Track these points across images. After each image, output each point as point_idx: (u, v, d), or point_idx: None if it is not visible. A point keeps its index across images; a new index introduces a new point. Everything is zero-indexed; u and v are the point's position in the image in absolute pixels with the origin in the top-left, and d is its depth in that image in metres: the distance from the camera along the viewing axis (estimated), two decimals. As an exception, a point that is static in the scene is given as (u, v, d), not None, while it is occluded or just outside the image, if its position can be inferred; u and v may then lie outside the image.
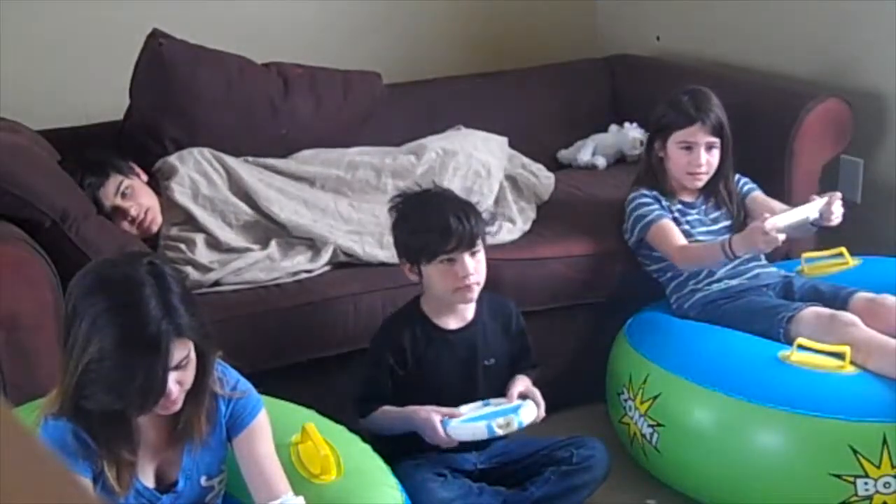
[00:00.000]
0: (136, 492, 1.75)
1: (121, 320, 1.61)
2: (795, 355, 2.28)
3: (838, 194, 2.52)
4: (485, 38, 3.74)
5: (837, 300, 2.51)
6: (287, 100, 2.93)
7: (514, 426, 2.20)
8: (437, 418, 2.19)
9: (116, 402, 1.65)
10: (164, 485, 1.80)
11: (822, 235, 2.95)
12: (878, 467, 2.13)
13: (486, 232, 2.33)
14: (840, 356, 2.27)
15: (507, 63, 3.53)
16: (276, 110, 2.92)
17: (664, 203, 2.69)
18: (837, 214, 2.50)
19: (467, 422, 2.21)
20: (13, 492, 0.57)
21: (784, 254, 2.85)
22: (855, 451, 2.12)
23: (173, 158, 2.74)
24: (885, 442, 2.12)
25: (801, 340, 2.30)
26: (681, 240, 2.62)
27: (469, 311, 2.35)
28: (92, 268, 1.70)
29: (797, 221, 2.46)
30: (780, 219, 2.43)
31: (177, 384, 1.67)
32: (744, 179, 2.77)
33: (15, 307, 2.16)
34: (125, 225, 2.62)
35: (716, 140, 2.65)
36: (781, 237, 2.41)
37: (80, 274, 1.69)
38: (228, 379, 1.82)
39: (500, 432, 2.19)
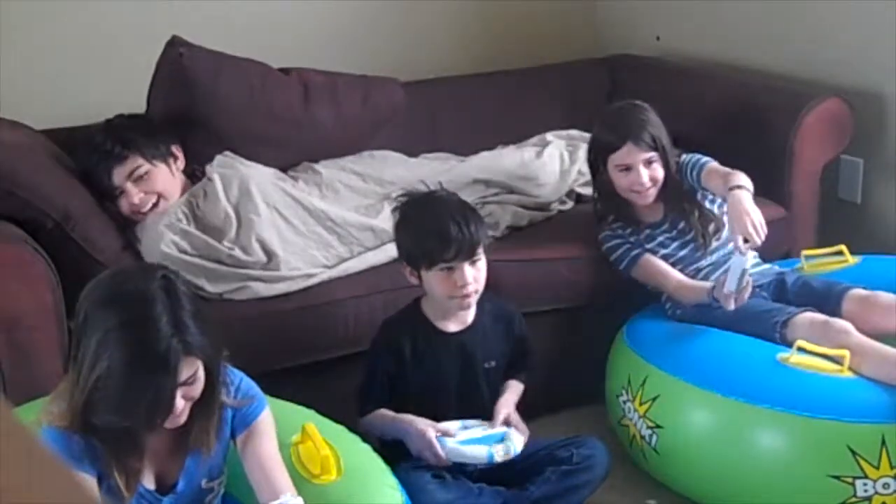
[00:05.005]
0: (138, 494, 1.76)
1: (131, 337, 1.61)
2: (794, 358, 2.28)
3: (739, 238, 2.41)
4: (485, 38, 3.74)
5: (831, 297, 2.50)
6: (308, 107, 2.85)
7: (511, 454, 2.22)
8: (433, 434, 2.18)
9: (124, 418, 1.66)
10: (165, 486, 1.81)
11: (823, 235, 2.96)
12: (877, 468, 2.12)
13: (487, 238, 2.31)
14: (838, 360, 2.27)
15: (507, 63, 3.53)
16: (298, 118, 2.84)
17: (632, 239, 2.65)
18: (754, 238, 2.40)
19: (465, 444, 2.21)
20: (14, 491, 0.57)
21: (784, 252, 2.85)
22: (854, 453, 2.12)
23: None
24: (883, 443, 2.12)
25: (800, 343, 2.30)
26: (670, 273, 2.58)
27: (469, 315, 2.34)
28: (105, 278, 1.70)
29: (738, 276, 2.37)
30: (729, 284, 2.36)
31: (183, 399, 1.68)
32: (695, 157, 2.64)
33: (15, 307, 2.16)
34: (123, 204, 2.56)
35: (653, 154, 2.58)
36: (741, 295, 2.36)
37: (93, 283, 1.69)
38: (232, 378, 1.83)
39: (498, 460, 2.20)
